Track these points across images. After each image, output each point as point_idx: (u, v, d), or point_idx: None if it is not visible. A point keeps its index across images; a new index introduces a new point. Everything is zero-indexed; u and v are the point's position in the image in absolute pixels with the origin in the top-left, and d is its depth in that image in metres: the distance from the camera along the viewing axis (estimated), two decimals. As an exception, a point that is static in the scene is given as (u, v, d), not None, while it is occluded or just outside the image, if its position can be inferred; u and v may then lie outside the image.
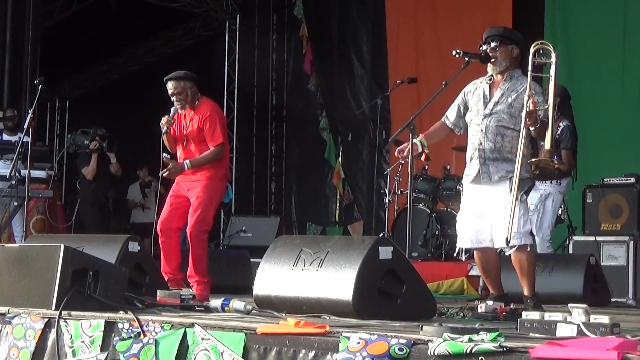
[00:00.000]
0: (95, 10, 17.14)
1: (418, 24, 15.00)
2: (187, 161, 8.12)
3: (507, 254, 6.50)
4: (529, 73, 6.24)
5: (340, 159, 16.49)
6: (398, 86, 11.78)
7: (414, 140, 6.87)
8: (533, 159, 6.24)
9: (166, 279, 8.05)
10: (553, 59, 6.28)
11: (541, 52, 6.27)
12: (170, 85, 8.21)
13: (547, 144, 6.08)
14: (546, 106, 6.17)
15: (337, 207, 16.69)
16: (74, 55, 18.99)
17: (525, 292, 6.49)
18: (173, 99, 8.22)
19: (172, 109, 8.24)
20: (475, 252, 6.76)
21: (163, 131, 8.21)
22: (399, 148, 7.03)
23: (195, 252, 8.09)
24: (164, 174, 8.12)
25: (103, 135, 12.38)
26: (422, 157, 7.02)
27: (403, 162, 7.13)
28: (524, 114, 6.15)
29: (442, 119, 6.96)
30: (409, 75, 12.11)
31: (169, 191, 8.39)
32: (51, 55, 15.52)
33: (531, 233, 6.86)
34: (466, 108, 6.77)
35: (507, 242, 6.21)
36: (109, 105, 19.39)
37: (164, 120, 8.20)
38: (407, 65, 14.84)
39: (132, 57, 19.92)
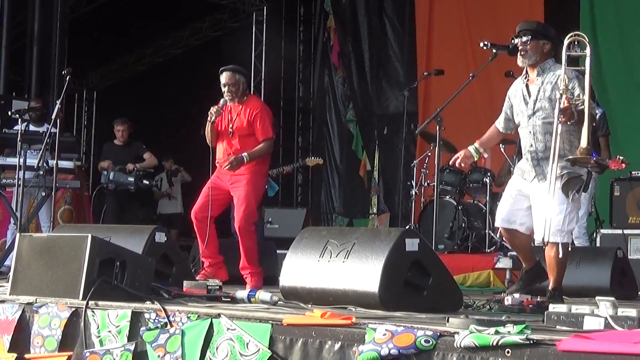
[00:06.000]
0: (122, 2, 17.19)
1: (448, 16, 14.94)
2: (246, 154, 8.26)
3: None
4: (563, 66, 6.16)
5: (365, 151, 16.50)
6: (425, 78, 11.77)
7: (469, 148, 6.89)
8: (570, 156, 6.17)
9: (207, 264, 8.33)
10: (588, 51, 6.17)
11: (576, 43, 6.19)
12: (225, 76, 8.39)
13: (583, 142, 5.98)
14: (582, 99, 6.09)
15: (364, 199, 16.69)
16: (101, 46, 19.05)
17: (550, 286, 6.47)
18: (224, 89, 8.38)
19: (222, 101, 8.39)
20: (502, 232, 6.82)
21: (210, 120, 8.37)
22: (454, 158, 7.01)
23: (245, 244, 8.28)
24: (226, 167, 8.25)
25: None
26: (482, 162, 7.00)
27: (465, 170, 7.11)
28: (556, 111, 6.10)
29: (495, 124, 6.97)
30: (436, 68, 12.10)
31: (207, 181, 8.49)
32: (79, 46, 15.59)
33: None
34: (512, 111, 6.77)
35: (544, 242, 6.20)
36: (136, 97, 19.47)
37: (213, 110, 8.35)
38: (436, 57, 14.80)
39: (160, 48, 19.99)
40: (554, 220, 6.22)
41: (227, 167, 8.23)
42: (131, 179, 11.95)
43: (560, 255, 6.31)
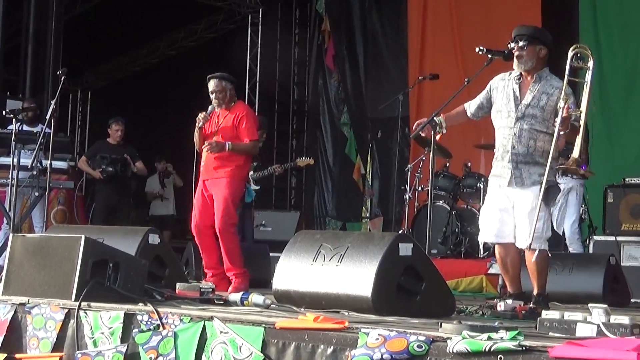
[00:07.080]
0: (117, 2, 17.19)
1: (441, 21, 14.93)
2: (229, 143, 8.37)
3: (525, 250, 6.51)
4: (565, 77, 6.19)
5: (359, 154, 16.49)
6: (420, 82, 11.75)
7: (434, 117, 6.85)
8: (561, 165, 6.21)
9: (210, 275, 8.38)
10: (590, 64, 6.20)
11: (578, 55, 6.21)
12: (212, 83, 8.54)
13: (575, 152, 6.04)
14: (579, 111, 6.13)
15: (357, 203, 16.68)
16: (96, 47, 19.06)
17: (535, 292, 6.50)
18: (212, 96, 8.53)
19: (210, 107, 8.56)
20: (496, 248, 6.71)
21: (198, 126, 8.53)
22: (417, 121, 7.00)
23: (226, 246, 8.31)
24: (205, 148, 8.39)
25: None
26: (438, 137, 6.96)
27: (423, 134, 7.04)
28: (558, 119, 6.11)
29: (464, 105, 6.95)
30: (430, 72, 12.09)
31: (195, 190, 8.63)
32: (73, 46, 15.56)
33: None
34: (489, 102, 6.75)
35: (529, 247, 6.21)
36: (131, 97, 19.47)
37: (201, 115, 8.53)
38: (429, 62, 14.78)
39: (155, 49, 19.98)
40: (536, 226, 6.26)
41: (206, 148, 8.35)
42: (101, 162, 11.87)
43: (538, 260, 6.34)
